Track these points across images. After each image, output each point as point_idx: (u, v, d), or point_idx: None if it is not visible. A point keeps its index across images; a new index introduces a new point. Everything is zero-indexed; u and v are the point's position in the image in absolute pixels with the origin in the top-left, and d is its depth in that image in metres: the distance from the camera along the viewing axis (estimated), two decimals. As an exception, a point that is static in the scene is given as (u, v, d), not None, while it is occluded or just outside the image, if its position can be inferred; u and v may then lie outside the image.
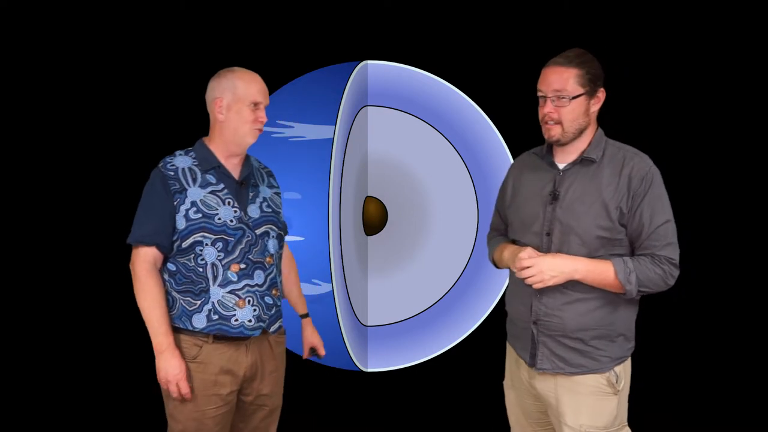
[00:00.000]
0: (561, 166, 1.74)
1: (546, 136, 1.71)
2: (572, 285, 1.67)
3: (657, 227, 1.64)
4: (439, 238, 3.12)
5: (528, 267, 1.64)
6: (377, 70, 3.02)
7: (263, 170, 1.96)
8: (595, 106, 1.70)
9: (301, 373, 2.97)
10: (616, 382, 1.69)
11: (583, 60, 1.67)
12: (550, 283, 1.64)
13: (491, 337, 3.13)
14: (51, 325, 3.09)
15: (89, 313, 3.09)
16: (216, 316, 1.75)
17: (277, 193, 1.97)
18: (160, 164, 1.78)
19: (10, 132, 2.95)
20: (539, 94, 1.70)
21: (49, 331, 3.09)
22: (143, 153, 2.30)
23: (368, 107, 3.04)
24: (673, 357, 3.20)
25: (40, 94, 2.94)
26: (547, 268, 1.63)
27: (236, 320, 1.76)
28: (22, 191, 2.99)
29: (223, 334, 1.76)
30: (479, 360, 3.19)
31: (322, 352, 2.11)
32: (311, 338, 2.11)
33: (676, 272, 1.66)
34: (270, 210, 1.89)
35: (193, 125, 1.97)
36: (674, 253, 1.66)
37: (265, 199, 1.89)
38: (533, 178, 1.81)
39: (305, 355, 2.11)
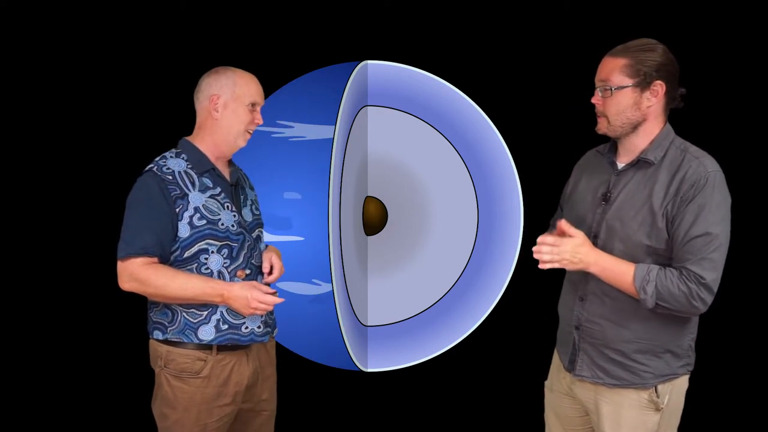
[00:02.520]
0: (620, 166, 1.66)
1: (597, 130, 1.65)
2: (615, 293, 1.60)
3: (693, 238, 1.48)
4: (439, 238, 3.12)
5: (550, 246, 1.53)
6: (377, 70, 3.02)
7: (242, 172, 1.92)
8: (650, 100, 1.57)
9: (302, 373, 2.97)
10: (658, 398, 1.60)
11: (640, 50, 1.57)
12: (561, 266, 1.54)
13: (491, 337, 3.14)
14: (31, 338, 3.08)
15: (68, 324, 3.08)
16: (226, 326, 1.68)
17: (256, 196, 1.93)
18: (153, 167, 1.66)
19: None
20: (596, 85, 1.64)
21: (30, 343, 3.09)
22: (131, 154, 2.24)
23: (368, 107, 3.04)
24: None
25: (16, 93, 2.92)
26: (566, 251, 1.52)
27: (246, 328, 1.72)
28: None
29: (235, 344, 1.70)
30: (479, 360, 3.19)
31: (274, 274, 1.81)
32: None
33: (707, 296, 1.49)
34: (258, 212, 1.87)
35: (180, 124, 1.91)
36: (706, 272, 1.47)
37: (252, 201, 1.86)
38: (591, 177, 1.74)
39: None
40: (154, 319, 1.72)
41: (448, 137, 3.07)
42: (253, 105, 1.74)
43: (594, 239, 1.64)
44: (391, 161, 3.08)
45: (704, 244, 1.48)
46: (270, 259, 1.82)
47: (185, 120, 1.83)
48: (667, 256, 1.56)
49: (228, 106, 1.71)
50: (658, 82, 1.56)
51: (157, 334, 1.71)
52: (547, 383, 1.89)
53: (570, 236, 1.56)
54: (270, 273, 1.81)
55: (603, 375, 1.64)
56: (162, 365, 1.70)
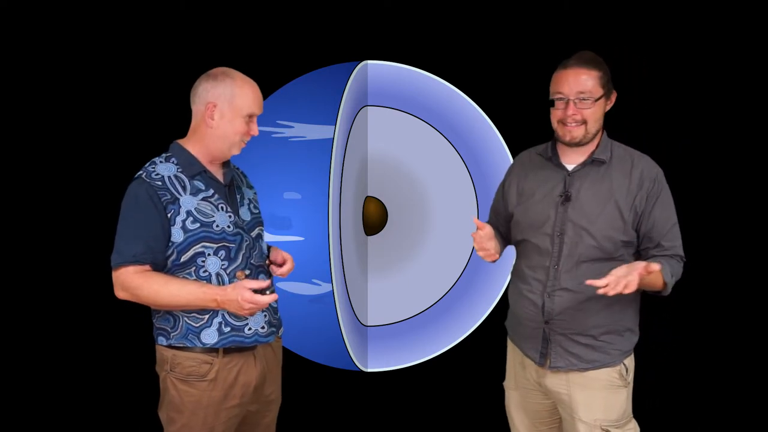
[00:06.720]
0: (570, 167, 1.75)
1: (567, 138, 1.70)
2: (579, 288, 1.70)
3: (670, 228, 1.72)
4: (439, 238, 3.12)
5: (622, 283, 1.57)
6: (377, 70, 3.02)
7: (239, 171, 1.89)
8: (608, 107, 1.75)
9: (301, 373, 2.98)
10: (626, 373, 1.75)
11: (600, 62, 1.72)
12: (629, 290, 1.55)
13: (491, 337, 3.13)
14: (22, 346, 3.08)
15: (74, 329, 3.08)
16: (228, 328, 1.68)
17: (255, 194, 1.91)
18: (142, 174, 1.64)
19: None
20: (557, 96, 1.69)
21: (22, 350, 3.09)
22: (132, 155, 2.22)
23: (368, 107, 3.04)
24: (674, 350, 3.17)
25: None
26: (633, 279, 1.54)
27: (250, 329, 1.71)
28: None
29: (238, 346, 1.69)
30: (479, 360, 3.19)
31: (286, 266, 1.85)
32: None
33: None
34: (257, 211, 1.85)
35: (178, 126, 1.88)
36: (682, 252, 1.77)
37: (250, 200, 1.84)
38: (540, 179, 1.80)
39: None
40: (158, 325, 1.71)
41: (448, 137, 3.07)
42: (250, 116, 1.70)
43: (559, 237, 1.73)
44: (391, 161, 3.08)
45: (676, 230, 1.74)
46: (282, 254, 1.85)
47: (183, 121, 1.82)
48: (632, 245, 1.73)
49: (224, 117, 1.67)
50: (614, 90, 1.75)
51: (162, 340, 1.70)
52: (506, 383, 1.96)
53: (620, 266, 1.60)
54: (281, 266, 1.84)
55: (576, 361, 1.74)
56: (168, 369, 1.69)
